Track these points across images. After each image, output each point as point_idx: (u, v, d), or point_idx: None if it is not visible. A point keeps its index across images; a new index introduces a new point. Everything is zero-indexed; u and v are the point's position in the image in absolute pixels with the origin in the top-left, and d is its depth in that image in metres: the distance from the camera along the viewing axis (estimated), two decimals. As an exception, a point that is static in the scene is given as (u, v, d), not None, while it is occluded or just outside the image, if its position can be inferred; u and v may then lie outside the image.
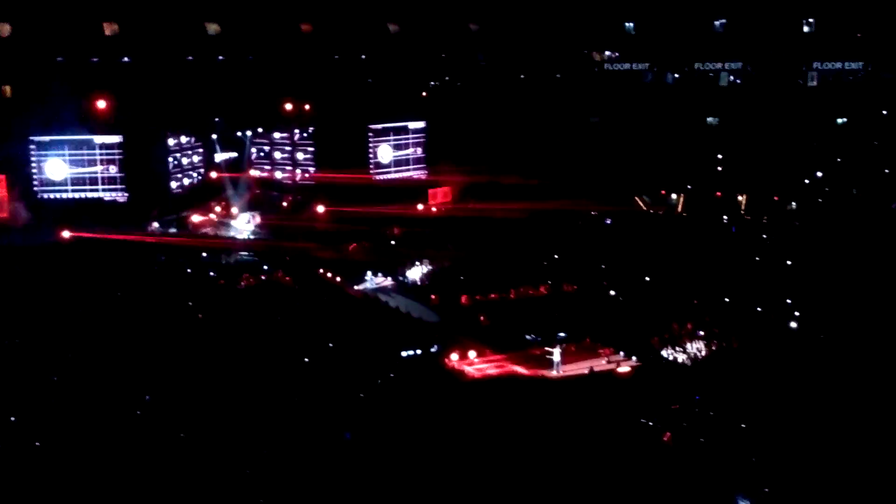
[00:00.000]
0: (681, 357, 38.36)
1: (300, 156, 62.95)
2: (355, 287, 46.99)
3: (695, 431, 29.89)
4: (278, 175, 62.78)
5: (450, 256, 50.77)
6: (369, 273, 48.00)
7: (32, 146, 55.16)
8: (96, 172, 55.65)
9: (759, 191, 58.38)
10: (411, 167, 64.34)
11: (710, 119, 64.19)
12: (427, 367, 36.95)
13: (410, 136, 64.48)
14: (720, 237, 54.32)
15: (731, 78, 64.96)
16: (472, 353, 38.32)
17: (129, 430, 29.33)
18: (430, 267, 49.50)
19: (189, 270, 48.75)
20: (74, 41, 58.46)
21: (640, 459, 27.75)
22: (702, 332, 39.63)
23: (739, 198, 58.86)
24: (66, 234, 51.20)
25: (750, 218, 57.30)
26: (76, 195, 55.39)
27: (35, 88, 56.69)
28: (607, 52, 69.48)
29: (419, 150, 64.59)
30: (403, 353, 37.71)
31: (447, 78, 68.19)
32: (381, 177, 62.62)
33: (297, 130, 62.92)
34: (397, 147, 63.92)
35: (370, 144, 62.48)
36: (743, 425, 30.05)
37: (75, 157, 55.47)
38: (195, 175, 60.44)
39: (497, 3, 65.67)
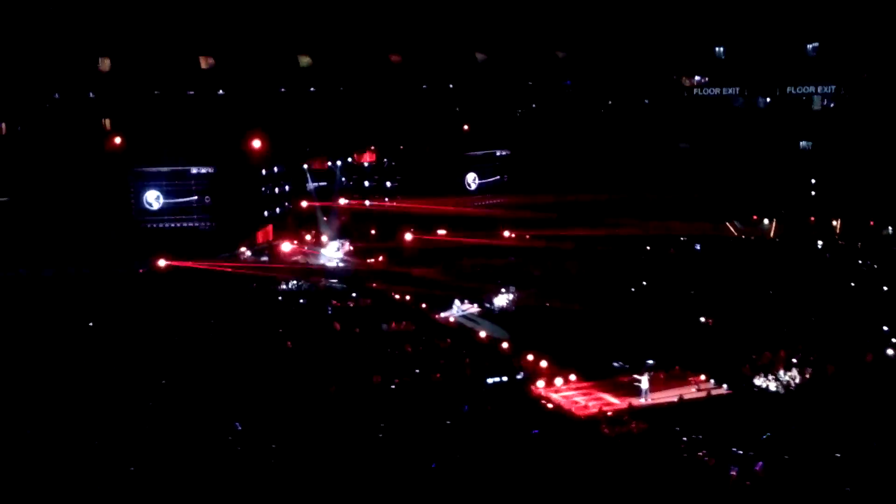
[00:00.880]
0: (773, 385, 37.52)
1: (388, 184, 63.60)
2: (441, 314, 47.10)
3: (788, 462, 29.24)
4: (367, 203, 63.40)
5: (537, 283, 50.67)
6: (456, 300, 48.07)
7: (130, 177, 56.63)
8: (191, 202, 56.81)
9: (854, 216, 57.04)
10: (497, 194, 64.45)
11: (803, 143, 63.05)
12: (513, 395, 36.80)
13: (497, 163, 64.66)
14: (814, 263, 53.10)
15: (825, 102, 63.77)
16: (558, 380, 38.05)
17: (220, 455, 29.87)
18: (516, 294, 49.39)
19: (280, 298, 49.64)
20: (170, 74, 60.20)
21: (730, 491, 27.27)
22: (795, 360, 38.72)
23: (834, 223, 57.61)
24: (161, 262, 52.40)
25: (844, 243, 55.98)
26: (172, 224, 56.63)
27: (133, 121, 58.46)
28: (697, 77, 68.84)
29: (506, 177, 64.70)
30: (489, 381, 37.66)
31: (534, 105, 68.33)
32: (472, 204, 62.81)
33: (385, 159, 63.61)
34: (484, 174, 64.19)
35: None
36: (837, 455, 29.33)
37: (171, 187, 56.76)
38: (286, 204, 61.42)
39: (586, 29, 65.67)
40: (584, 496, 27.21)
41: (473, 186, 64.15)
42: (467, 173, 64.04)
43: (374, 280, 52.06)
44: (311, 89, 63.66)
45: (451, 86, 66.76)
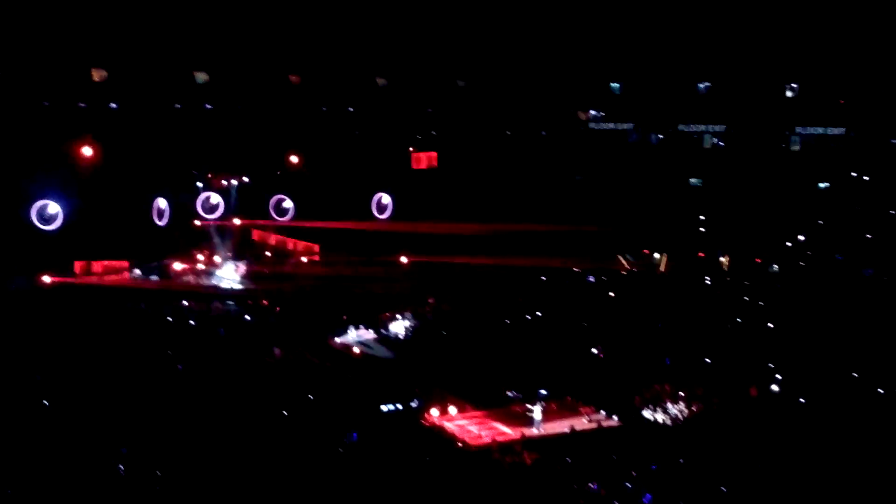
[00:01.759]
0: (661, 418, 38.24)
1: (286, 205, 62.55)
2: (337, 339, 46.74)
3: (676, 494, 29.75)
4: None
5: (432, 310, 50.67)
6: (352, 326, 47.77)
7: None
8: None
9: (742, 252, 58.62)
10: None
11: (693, 180, 64.57)
12: (407, 424, 36.71)
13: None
14: (702, 298, 54.33)
15: (715, 140, 65.48)
16: (452, 409, 38.11)
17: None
18: (412, 321, 49.31)
19: (170, 319, 48.58)
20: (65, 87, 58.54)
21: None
22: (683, 394, 39.51)
23: (722, 259, 59.07)
24: (46, 278, 50.75)
25: (731, 279, 57.43)
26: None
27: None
28: (592, 112, 69.97)
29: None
30: (384, 408, 37.50)
31: (433, 133, 68.42)
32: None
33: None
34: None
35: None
36: (723, 489, 29.94)
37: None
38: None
39: (485, 60, 66.17)
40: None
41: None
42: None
43: (269, 303, 51.37)
44: (208, 106, 62.59)
45: (350, 109, 66.43)
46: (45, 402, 35.66)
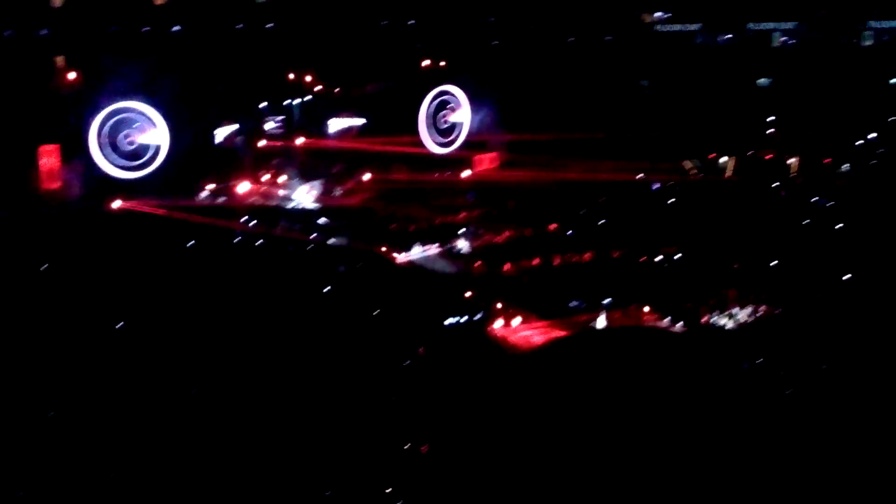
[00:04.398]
0: (728, 323, 38.09)
1: (357, 122, 62.29)
2: (401, 256, 47.10)
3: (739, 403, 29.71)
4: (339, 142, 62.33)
5: (496, 224, 50.70)
6: (417, 242, 48.07)
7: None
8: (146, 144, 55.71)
9: (812, 154, 57.37)
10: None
11: (761, 80, 63.06)
12: (471, 336, 37.12)
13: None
14: (770, 201, 53.45)
15: (784, 38, 63.73)
16: (516, 321, 38.39)
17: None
18: (477, 234, 49.43)
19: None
20: (128, 11, 58.90)
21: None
22: (750, 299, 39.23)
23: (790, 161, 57.87)
24: (116, 203, 51.74)
25: (801, 181, 56.35)
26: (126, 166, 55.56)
27: (87, 59, 57.19)
28: (657, 14, 68.45)
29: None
30: (447, 322, 37.92)
31: (496, 42, 67.61)
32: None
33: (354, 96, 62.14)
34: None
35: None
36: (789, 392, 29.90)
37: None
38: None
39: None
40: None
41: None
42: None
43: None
44: (269, 26, 62.53)
45: (411, 22, 65.87)
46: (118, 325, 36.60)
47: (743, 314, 38.52)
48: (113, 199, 51.68)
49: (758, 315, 38.34)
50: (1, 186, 50.39)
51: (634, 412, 27.35)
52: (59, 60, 58.46)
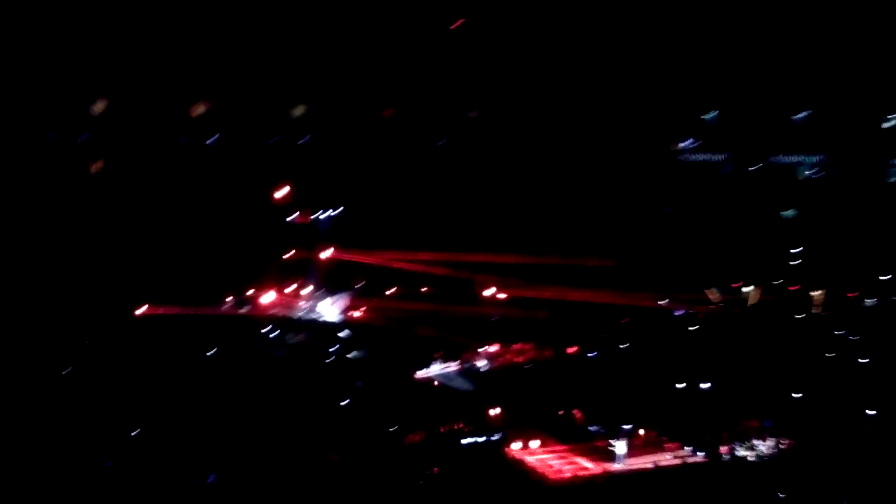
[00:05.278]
0: (749, 455, 37.52)
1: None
2: (420, 373, 46.99)
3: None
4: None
5: (517, 346, 50.63)
6: (435, 360, 47.99)
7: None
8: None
9: (836, 287, 57.17)
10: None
11: (786, 212, 63.36)
12: (489, 457, 36.75)
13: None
14: (794, 333, 53.14)
15: (810, 171, 64.19)
16: (534, 443, 38.01)
17: None
18: (497, 354, 49.34)
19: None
20: (162, 120, 60.58)
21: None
22: (772, 430, 38.74)
23: (815, 293, 57.66)
24: (141, 309, 52.17)
25: (825, 314, 56.05)
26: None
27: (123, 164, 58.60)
28: (684, 142, 69.28)
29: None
30: (464, 441, 37.60)
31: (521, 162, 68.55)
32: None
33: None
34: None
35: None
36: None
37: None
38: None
39: (576, 89, 66.15)
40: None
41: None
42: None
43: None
44: (303, 140, 63.80)
45: (442, 142, 66.98)
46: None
47: (764, 446, 37.94)
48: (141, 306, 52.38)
49: (780, 447, 37.75)
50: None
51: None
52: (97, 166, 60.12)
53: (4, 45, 53.14)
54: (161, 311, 52.48)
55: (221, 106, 61.07)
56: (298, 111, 63.33)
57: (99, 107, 59.12)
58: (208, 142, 61.52)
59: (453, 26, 59.64)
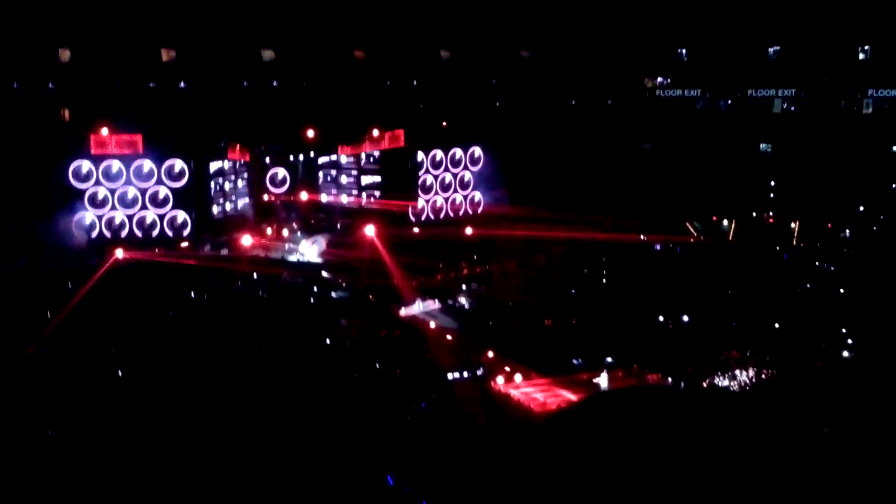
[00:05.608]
0: (731, 385, 37.91)
1: (366, 180, 62.65)
2: (404, 310, 47.06)
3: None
4: (344, 199, 62.72)
5: (501, 280, 50.81)
6: (418, 298, 48.09)
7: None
8: (153, 194, 56.04)
9: (813, 218, 57.65)
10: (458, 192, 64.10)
11: (762, 146, 63.59)
12: (474, 391, 36.92)
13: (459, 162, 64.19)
14: (772, 264, 53.59)
15: (785, 105, 64.38)
16: (518, 377, 38.22)
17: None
18: (478, 290, 49.54)
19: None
20: (131, 66, 59.84)
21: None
22: (752, 361, 39.13)
23: (792, 225, 58.12)
24: (119, 253, 51.90)
25: (803, 245, 56.54)
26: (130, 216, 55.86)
27: (93, 112, 58.01)
28: (660, 79, 69.26)
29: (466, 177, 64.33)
30: (450, 376, 37.75)
31: (498, 104, 68.34)
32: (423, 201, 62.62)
33: (363, 155, 62.54)
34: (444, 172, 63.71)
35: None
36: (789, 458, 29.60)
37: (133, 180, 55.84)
38: (236, 199, 60.66)
39: (551, 29, 65.90)
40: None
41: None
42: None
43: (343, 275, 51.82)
44: (274, 83, 63.38)
45: (414, 83, 66.68)
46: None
47: (745, 376, 38.30)
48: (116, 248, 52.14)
49: (761, 377, 38.15)
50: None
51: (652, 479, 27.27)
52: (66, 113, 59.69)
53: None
54: (142, 255, 52.38)
55: (192, 50, 60.87)
56: (268, 55, 63.07)
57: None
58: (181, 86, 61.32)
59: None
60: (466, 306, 48.44)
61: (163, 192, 55.61)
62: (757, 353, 40.10)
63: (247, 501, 27.22)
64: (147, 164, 55.39)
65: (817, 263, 52.68)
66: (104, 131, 54.78)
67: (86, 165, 54.86)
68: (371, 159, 62.23)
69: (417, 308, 47.46)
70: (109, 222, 55.14)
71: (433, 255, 54.70)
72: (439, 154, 62.80)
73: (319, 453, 29.67)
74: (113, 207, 55.15)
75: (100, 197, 55.06)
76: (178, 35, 60.89)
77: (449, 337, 42.91)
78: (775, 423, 32.48)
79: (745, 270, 51.33)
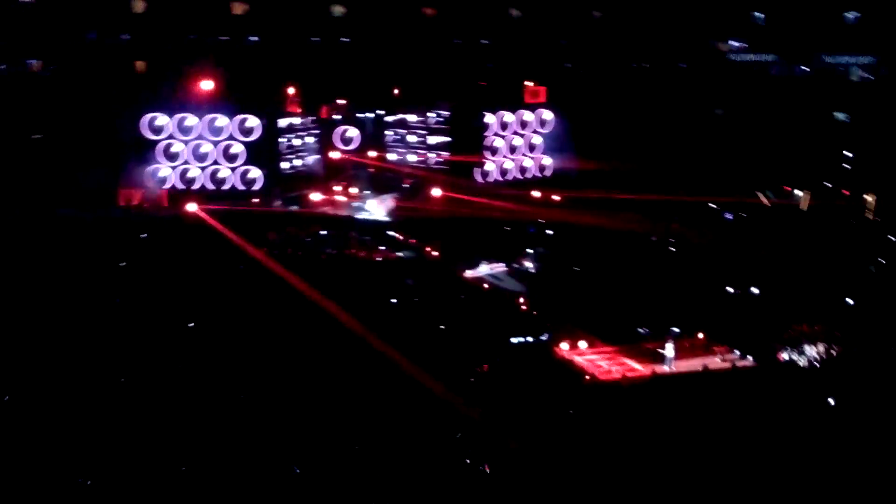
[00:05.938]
0: (800, 360, 37.38)
1: (433, 140, 62.66)
2: (469, 272, 47.10)
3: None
4: (411, 158, 62.85)
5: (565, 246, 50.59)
6: (483, 261, 48.08)
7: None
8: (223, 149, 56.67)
9: (888, 191, 56.31)
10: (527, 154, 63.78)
11: (839, 115, 62.25)
12: (538, 356, 36.96)
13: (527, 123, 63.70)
14: (845, 237, 52.54)
15: (863, 73, 62.92)
16: (582, 343, 38.13)
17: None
18: (544, 255, 49.36)
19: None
20: (201, 20, 60.37)
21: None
22: (823, 336, 38.47)
23: (867, 197, 56.87)
24: (192, 206, 52.77)
25: (878, 219, 55.32)
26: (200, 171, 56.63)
27: (166, 65, 58.78)
28: (734, 43, 68.04)
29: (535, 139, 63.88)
30: (513, 340, 37.79)
31: (569, 66, 67.70)
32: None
33: (430, 114, 62.52)
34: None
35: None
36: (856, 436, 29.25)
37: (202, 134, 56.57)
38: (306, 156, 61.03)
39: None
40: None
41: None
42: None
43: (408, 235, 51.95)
44: (344, 40, 63.46)
45: (484, 42, 66.32)
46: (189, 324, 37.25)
47: (815, 351, 37.69)
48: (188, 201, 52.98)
49: (830, 353, 37.53)
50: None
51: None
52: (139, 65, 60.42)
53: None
54: (214, 206, 53.14)
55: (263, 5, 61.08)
56: (338, 11, 63.05)
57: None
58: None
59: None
60: (533, 270, 48.32)
61: (236, 147, 56.29)
62: (826, 328, 39.33)
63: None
64: (221, 119, 56.02)
65: (894, 239, 51.52)
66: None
67: (161, 119, 55.72)
68: (440, 119, 62.10)
69: (483, 270, 47.48)
70: (183, 174, 56.03)
71: (499, 217, 54.68)
72: (508, 115, 62.44)
73: (382, 412, 29.97)
74: (186, 161, 56.04)
75: (174, 150, 55.96)
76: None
77: (514, 301, 42.88)
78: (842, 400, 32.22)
79: (818, 243, 50.41)
